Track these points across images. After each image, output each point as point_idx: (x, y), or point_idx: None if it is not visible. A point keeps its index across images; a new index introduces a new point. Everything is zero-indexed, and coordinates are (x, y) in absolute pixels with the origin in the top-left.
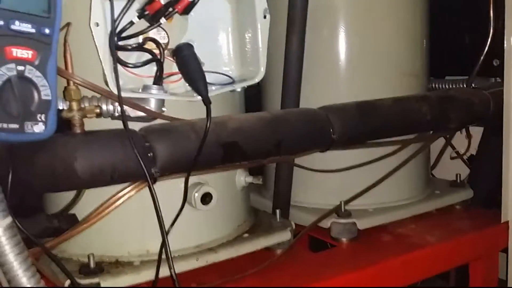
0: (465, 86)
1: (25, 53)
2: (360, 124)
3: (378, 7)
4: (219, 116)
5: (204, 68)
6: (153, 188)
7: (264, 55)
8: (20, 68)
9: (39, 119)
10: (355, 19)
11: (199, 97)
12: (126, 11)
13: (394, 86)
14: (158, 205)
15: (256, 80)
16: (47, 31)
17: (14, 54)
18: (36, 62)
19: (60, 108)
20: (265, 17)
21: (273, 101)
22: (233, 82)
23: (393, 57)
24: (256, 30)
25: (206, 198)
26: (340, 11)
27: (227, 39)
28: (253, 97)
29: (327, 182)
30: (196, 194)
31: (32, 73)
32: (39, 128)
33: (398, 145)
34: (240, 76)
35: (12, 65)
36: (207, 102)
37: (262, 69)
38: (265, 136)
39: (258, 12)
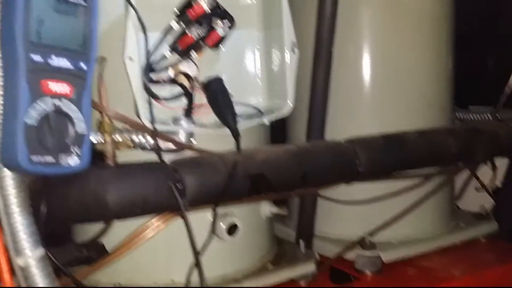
0: (490, 117)
1: (62, 87)
2: (386, 157)
3: (404, 38)
4: (247, 149)
5: (233, 99)
6: (186, 219)
7: (292, 89)
8: (57, 102)
9: (74, 152)
10: (380, 51)
11: (228, 130)
12: (159, 46)
13: (419, 117)
14: (192, 236)
15: (284, 113)
16: (83, 65)
17: (52, 88)
18: (72, 96)
19: (94, 140)
20: (293, 51)
21: (298, 131)
22: (261, 114)
23: (419, 89)
24: (284, 64)
25: (231, 229)
26: (365, 43)
27: (255, 71)
28: (277, 126)
29: (351, 213)
30: (222, 225)
31: (68, 107)
32: (73, 161)
33: (422, 177)
34: (268, 108)
35: (49, 100)
36: (237, 136)
37: (291, 103)
38: (292, 169)
39: (286, 46)
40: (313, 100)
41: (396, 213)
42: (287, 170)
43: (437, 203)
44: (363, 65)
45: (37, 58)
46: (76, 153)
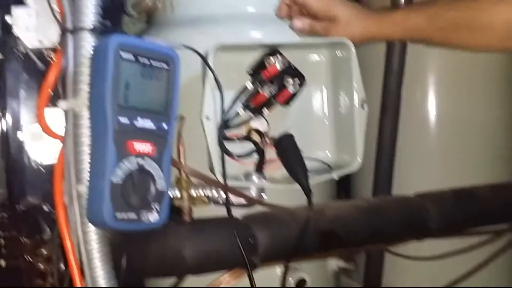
0: None
1: (145, 147)
2: (458, 213)
3: (472, 90)
4: (317, 204)
5: (302, 154)
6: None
7: (361, 145)
8: (140, 161)
9: (154, 209)
10: (448, 103)
11: (297, 185)
12: (234, 104)
13: (489, 170)
14: None
15: (353, 169)
16: (164, 126)
17: (136, 148)
18: (154, 155)
19: (171, 196)
20: (363, 107)
21: (363, 184)
22: (330, 169)
23: (488, 141)
24: (353, 120)
25: (300, 283)
26: (433, 95)
27: (324, 126)
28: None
29: (419, 268)
30: (291, 280)
31: (150, 165)
32: (153, 217)
33: (494, 233)
34: (336, 163)
35: (134, 159)
36: (308, 193)
37: (360, 160)
38: (362, 225)
39: (356, 101)
40: (380, 154)
41: (466, 270)
42: (357, 227)
43: (509, 261)
44: (430, 118)
45: (124, 120)
46: (156, 209)
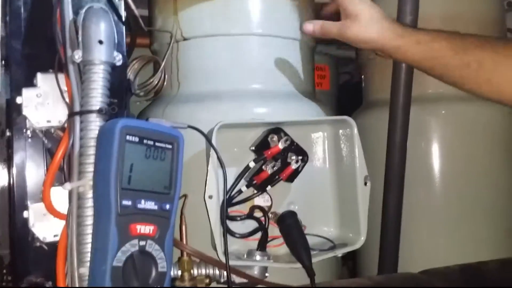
0: None
1: (147, 229)
2: None
3: (477, 165)
4: (321, 283)
5: (305, 231)
6: None
7: (365, 222)
8: (142, 243)
9: None
10: (452, 174)
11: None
12: (237, 183)
13: (497, 244)
14: None
15: (357, 246)
16: (167, 206)
17: (138, 230)
18: (156, 236)
19: (172, 276)
20: (365, 184)
21: (369, 262)
22: (334, 246)
23: (496, 214)
24: (356, 196)
25: None
26: (435, 169)
27: (327, 202)
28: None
29: None
30: None
31: (151, 247)
32: None
33: None
34: (340, 239)
35: (135, 241)
36: (311, 274)
37: (363, 238)
38: None
39: (358, 178)
40: (385, 230)
41: None
42: None
43: None
44: (436, 190)
45: (127, 203)
46: None
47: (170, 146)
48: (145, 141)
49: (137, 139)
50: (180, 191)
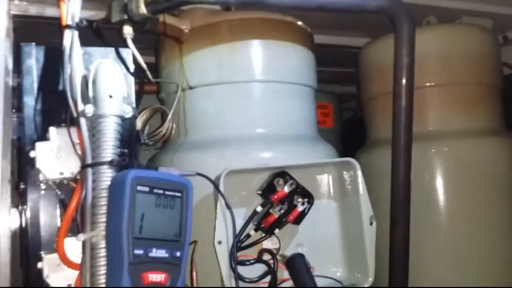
0: None
1: (159, 277)
2: None
3: (481, 198)
4: None
5: (313, 272)
6: None
7: (372, 263)
8: None
9: None
10: (458, 213)
11: None
12: (245, 228)
13: (504, 276)
14: None
15: (366, 286)
16: (178, 254)
17: (150, 279)
18: (168, 284)
19: None
20: (371, 223)
21: None
22: (342, 287)
23: (501, 245)
24: (362, 236)
25: None
26: (440, 204)
27: (334, 243)
28: None
29: None
30: None
31: None
32: None
33: None
34: (348, 281)
35: None
36: None
37: (371, 278)
38: None
39: (364, 219)
40: (393, 268)
41: None
42: None
43: None
44: (441, 226)
45: (139, 252)
46: None
47: (179, 194)
48: (155, 190)
49: (147, 189)
50: (190, 238)
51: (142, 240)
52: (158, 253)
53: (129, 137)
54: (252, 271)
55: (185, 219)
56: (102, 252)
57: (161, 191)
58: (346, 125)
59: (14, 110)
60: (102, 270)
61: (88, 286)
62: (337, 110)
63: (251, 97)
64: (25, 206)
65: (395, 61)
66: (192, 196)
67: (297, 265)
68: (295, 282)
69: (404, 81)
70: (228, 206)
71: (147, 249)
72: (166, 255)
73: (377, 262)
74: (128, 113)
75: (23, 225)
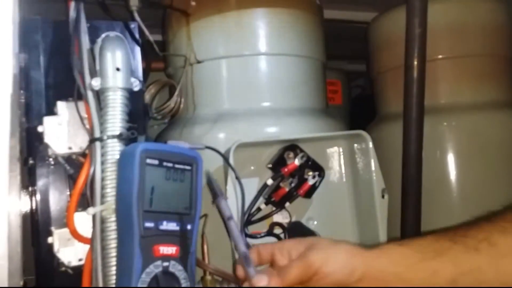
0: None
1: (170, 249)
2: None
3: (493, 172)
4: None
5: None
6: None
7: (384, 236)
8: (165, 264)
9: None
10: (470, 187)
11: None
12: (256, 201)
13: None
14: None
15: None
16: (188, 226)
17: (161, 251)
18: (179, 257)
19: None
20: (383, 196)
21: None
22: None
23: None
24: (374, 210)
25: None
26: (452, 179)
27: (345, 217)
28: None
29: None
30: None
31: (175, 267)
32: None
33: None
34: None
35: (159, 262)
36: None
37: None
38: None
39: (376, 192)
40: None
41: None
42: None
43: None
44: (453, 201)
45: (149, 225)
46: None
47: (189, 167)
48: (164, 163)
49: (157, 162)
50: (200, 211)
51: (152, 213)
52: (169, 226)
53: (137, 110)
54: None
55: (195, 192)
56: (113, 226)
57: (170, 164)
58: (354, 102)
59: (22, 92)
60: (113, 244)
61: (99, 259)
62: (346, 87)
63: (260, 70)
64: (34, 182)
65: (407, 32)
66: (202, 169)
67: (297, 230)
68: None
69: (416, 52)
70: (238, 179)
71: (158, 222)
72: (177, 228)
73: (387, 237)
74: (136, 86)
75: (33, 201)
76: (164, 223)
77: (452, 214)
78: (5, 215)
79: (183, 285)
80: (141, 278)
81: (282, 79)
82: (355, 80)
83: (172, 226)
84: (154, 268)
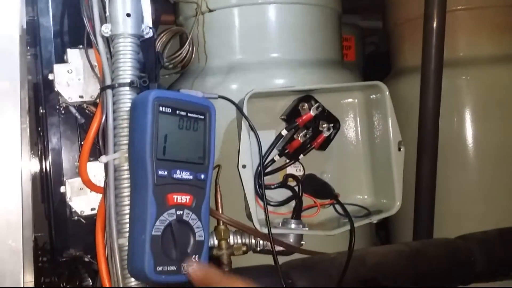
0: None
1: (183, 198)
2: (506, 255)
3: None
4: (357, 250)
5: (340, 199)
6: None
7: (400, 188)
8: (179, 212)
9: (194, 260)
10: (486, 135)
11: (335, 231)
12: (270, 152)
13: None
14: None
15: (392, 213)
16: (202, 176)
17: (175, 200)
18: (192, 206)
19: (210, 245)
20: (399, 149)
21: (403, 230)
22: (369, 213)
23: None
24: (390, 162)
25: None
26: (470, 127)
27: (360, 170)
28: None
29: None
30: None
31: (188, 216)
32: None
33: None
34: (375, 206)
35: (173, 211)
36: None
37: (398, 203)
38: (404, 272)
39: (392, 144)
40: (419, 195)
41: None
42: (399, 274)
43: None
44: (469, 151)
45: (163, 173)
46: (196, 260)
47: (202, 117)
48: (177, 112)
49: (170, 110)
50: (214, 161)
51: (165, 161)
52: (183, 174)
53: (149, 58)
54: (276, 197)
55: (209, 141)
56: (126, 174)
57: (183, 113)
58: (368, 59)
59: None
60: (126, 192)
61: (112, 207)
62: (360, 43)
63: (273, 19)
64: (45, 132)
65: None
66: (215, 119)
67: (310, 182)
68: (312, 195)
69: (436, 1)
70: (252, 128)
71: (171, 170)
72: (190, 177)
73: (402, 193)
74: (147, 33)
75: (44, 152)
76: (178, 171)
77: (469, 170)
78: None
79: (197, 234)
80: (155, 225)
81: (296, 28)
82: (369, 37)
83: (185, 175)
84: (168, 217)
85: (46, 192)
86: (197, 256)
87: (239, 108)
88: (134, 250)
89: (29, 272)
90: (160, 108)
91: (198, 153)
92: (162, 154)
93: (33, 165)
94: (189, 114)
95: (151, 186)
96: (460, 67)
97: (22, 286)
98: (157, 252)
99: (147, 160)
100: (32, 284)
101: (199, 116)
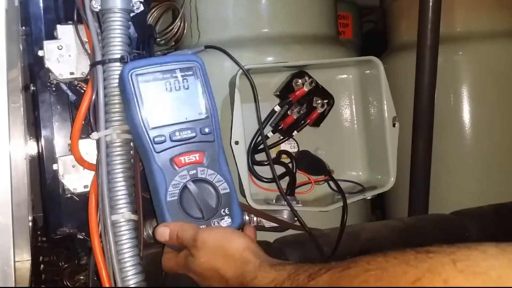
0: None
1: (192, 157)
2: (500, 231)
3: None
4: (351, 225)
5: (334, 175)
6: None
7: (394, 164)
8: (192, 172)
9: (224, 213)
10: (482, 111)
11: (329, 207)
12: (264, 127)
13: None
14: None
15: (387, 189)
16: (206, 130)
17: (183, 161)
18: (205, 162)
19: None
20: (394, 125)
21: (399, 201)
22: (363, 189)
23: None
24: (384, 138)
25: None
26: (466, 103)
27: (355, 146)
28: None
29: None
30: None
31: (204, 173)
32: (225, 222)
33: None
34: (369, 182)
35: (184, 172)
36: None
37: (392, 179)
38: (399, 247)
39: (387, 120)
40: (414, 171)
41: None
42: (393, 249)
43: None
44: (465, 128)
45: (161, 139)
46: (226, 213)
47: (190, 72)
48: (160, 75)
49: (151, 77)
50: (217, 111)
51: (161, 127)
52: (183, 134)
53: (141, 33)
54: (269, 174)
55: (206, 94)
56: (118, 151)
57: (168, 75)
58: (365, 37)
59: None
60: (119, 167)
61: (105, 183)
62: (357, 21)
63: None
64: (36, 109)
65: None
66: (205, 71)
67: (304, 158)
68: (306, 172)
69: None
70: (255, 95)
71: (170, 134)
72: (193, 134)
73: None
74: (138, 8)
75: (35, 129)
76: (177, 133)
77: (464, 146)
78: (8, 148)
79: (219, 188)
80: (168, 192)
81: (289, 2)
82: (367, 15)
83: (186, 134)
84: (181, 179)
85: (39, 169)
86: (226, 209)
87: (234, 59)
88: (157, 215)
89: (25, 251)
90: (139, 78)
91: (197, 109)
92: (155, 122)
93: (31, 145)
94: (174, 75)
95: (152, 155)
96: (457, 43)
97: (13, 261)
98: (178, 216)
99: (139, 131)
100: (29, 264)
101: (186, 73)
